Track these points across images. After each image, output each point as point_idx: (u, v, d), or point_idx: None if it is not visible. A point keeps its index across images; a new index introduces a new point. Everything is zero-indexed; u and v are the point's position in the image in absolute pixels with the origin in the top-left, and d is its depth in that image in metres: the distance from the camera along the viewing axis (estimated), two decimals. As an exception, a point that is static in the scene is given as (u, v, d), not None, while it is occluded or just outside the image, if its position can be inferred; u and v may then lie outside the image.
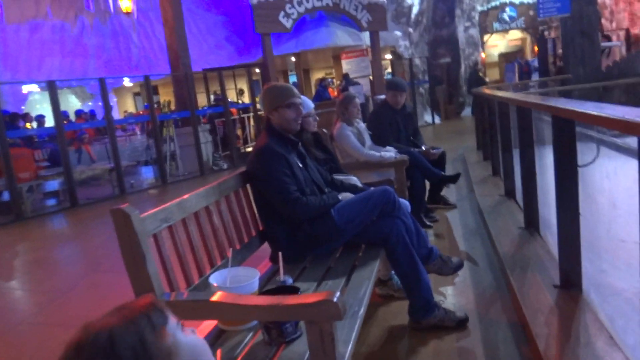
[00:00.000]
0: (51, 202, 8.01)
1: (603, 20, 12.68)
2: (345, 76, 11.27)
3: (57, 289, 3.87)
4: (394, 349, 2.28)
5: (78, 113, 12.47)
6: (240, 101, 13.36)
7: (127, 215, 1.48)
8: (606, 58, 10.11)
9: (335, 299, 1.31)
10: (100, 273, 4.16)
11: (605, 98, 7.87)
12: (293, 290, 1.61)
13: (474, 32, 17.17)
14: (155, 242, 1.61)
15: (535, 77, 11.95)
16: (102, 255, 4.75)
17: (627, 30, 12.38)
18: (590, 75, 8.62)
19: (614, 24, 13.58)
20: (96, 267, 4.40)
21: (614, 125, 1.51)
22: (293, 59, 13.69)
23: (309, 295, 1.38)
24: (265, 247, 2.38)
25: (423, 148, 4.32)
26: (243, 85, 13.50)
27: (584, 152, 2.47)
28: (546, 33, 15.48)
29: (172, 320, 0.79)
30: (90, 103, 15.91)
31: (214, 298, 1.43)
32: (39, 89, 14.27)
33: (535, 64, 12.51)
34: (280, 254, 1.77)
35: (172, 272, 1.64)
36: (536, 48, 15.54)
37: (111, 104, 9.54)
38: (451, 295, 2.77)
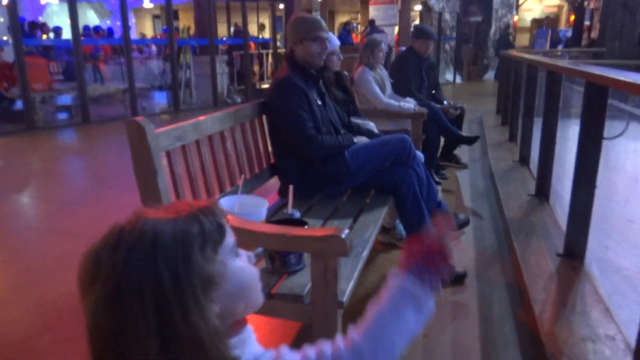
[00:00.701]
0: (63, 115, 8.00)
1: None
2: (371, 22, 10.92)
3: (63, 199, 3.92)
4: (389, 295, 2.31)
5: (96, 29, 12.22)
6: (260, 36, 13.03)
7: (142, 127, 1.46)
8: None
9: (343, 236, 1.30)
10: (105, 188, 4.20)
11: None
12: (300, 224, 1.60)
13: (511, -8, 16.42)
14: (168, 159, 1.60)
15: (539, 46, 11.63)
16: (109, 171, 4.79)
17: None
18: (626, 51, 8.29)
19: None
20: (102, 183, 4.44)
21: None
22: (319, -2, 13.24)
23: (317, 229, 1.37)
24: (275, 181, 2.36)
25: (445, 103, 4.23)
26: (265, 20, 13.13)
27: (612, 127, 2.40)
28: (585, 3, 14.80)
29: (229, 240, 0.69)
30: (108, 21, 15.57)
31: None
32: (57, 1, 13.94)
33: (567, 34, 12.06)
34: (290, 187, 1.75)
35: (182, 191, 1.64)
36: (572, 17, 14.91)
37: (130, 24, 9.31)
38: (453, 250, 2.77)
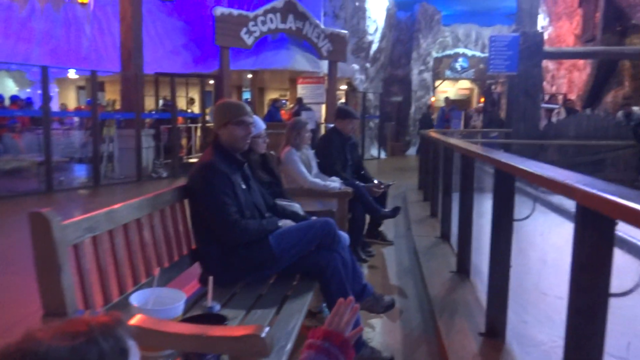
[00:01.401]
0: (-32, 190, 7.38)
1: (544, 83, 13.58)
2: (299, 100, 11.33)
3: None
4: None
5: (13, 99, 11.72)
6: (189, 110, 13.06)
7: (47, 220, 1.36)
8: (547, 121, 10.82)
9: (263, 335, 1.24)
10: (9, 274, 3.83)
11: (540, 155, 8.36)
12: (219, 319, 1.52)
13: (427, 76, 17.85)
14: (75, 252, 1.48)
15: (454, 125, 12.77)
16: (15, 254, 4.39)
17: (565, 95, 13.32)
18: (529, 132, 9.14)
19: (554, 88, 14.59)
20: (5, 267, 4.05)
21: (554, 187, 1.56)
22: (249, 75, 13.62)
23: (235, 328, 1.30)
24: (196, 267, 2.26)
25: (375, 182, 4.36)
26: (195, 94, 13.23)
27: (521, 206, 2.58)
28: (493, 87, 16.39)
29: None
30: (28, 90, 15.02)
31: (133, 321, 1.32)
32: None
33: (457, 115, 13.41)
34: (210, 278, 1.68)
35: (89, 288, 1.51)
36: (482, 99, 16.39)
37: (52, 94, 9.02)
38: (379, 333, 2.75)
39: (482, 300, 2.82)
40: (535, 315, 3.13)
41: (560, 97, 13.27)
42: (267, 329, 1.27)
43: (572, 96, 13.02)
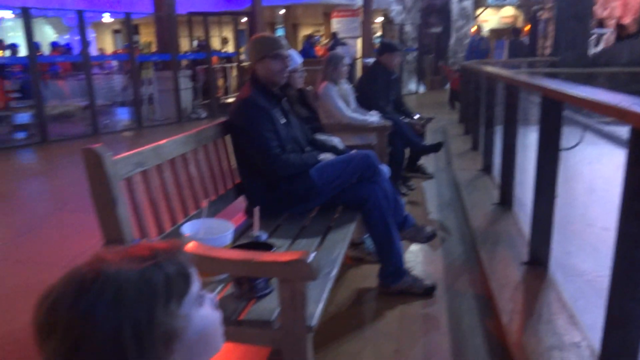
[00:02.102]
0: (20, 135, 7.73)
1: (596, 7, 12.61)
2: (334, 35, 11.02)
3: (21, 225, 3.77)
4: (361, 310, 2.30)
5: (53, 45, 11.92)
6: (224, 50, 12.96)
7: (99, 156, 1.41)
8: (594, 46, 10.12)
9: (309, 260, 1.29)
10: (67, 212, 4.07)
11: (589, 85, 7.91)
12: (267, 247, 1.58)
13: (468, 4, 16.89)
14: (128, 186, 1.55)
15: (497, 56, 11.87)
16: (70, 194, 4.63)
17: (618, 20, 12.38)
18: (578, 60, 8.62)
19: (606, 12, 13.55)
20: (63, 206, 4.29)
21: (607, 111, 1.49)
22: (282, 11, 13.29)
23: (283, 254, 1.35)
24: (241, 200, 2.33)
25: (415, 117, 4.29)
26: (228, 33, 13.06)
27: (568, 136, 2.49)
28: (539, 13, 15.37)
29: (194, 289, 0.67)
30: (66, 36, 15.20)
31: (187, 248, 1.39)
32: (12, 15, 13.53)
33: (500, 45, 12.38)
34: (256, 209, 1.73)
35: (143, 219, 1.59)
36: (527, 27, 15.44)
37: (89, 39, 9.10)
38: (421, 263, 2.80)
39: (525, 231, 2.81)
40: (579, 245, 3.10)
41: (611, 22, 12.34)
42: (313, 254, 1.31)
43: (627, 20, 12.09)
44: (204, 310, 0.69)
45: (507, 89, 3.25)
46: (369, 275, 2.59)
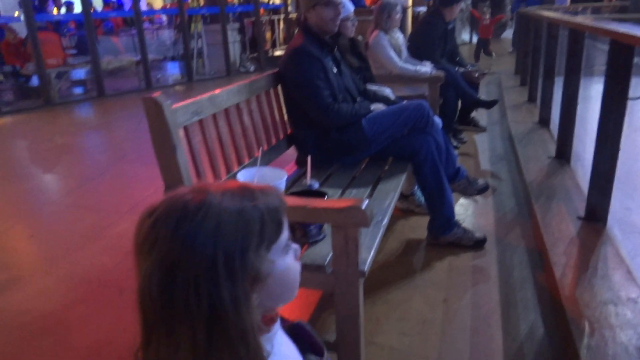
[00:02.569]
0: (78, 90, 8.05)
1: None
2: (384, -17, 10.58)
3: (84, 174, 3.99)
4: (409, 260, 2.33)
5: (106, 1, 12.11)
6: (271, 2, 12.77)
7: (159, 104, 1.46)
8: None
9: (363, 207, 1.30)
10: (126, 162, 4.25)
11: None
12: (319, 195, 1.61)
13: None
14: (186, 134, 1.60)
15: (558, 2, 10.79)
16: (127, 145, 4.83)
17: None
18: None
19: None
20: (122, 157, 4.49)
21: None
22: (330, -41, 12.82)
23: (337, 201, 1.38)
24: (292, 151, 2.36)
25: (469, 67, 4.13)
26: (275, -16, 12.81)
27: (636, 86, 2.34)
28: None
29: (283, 238, 0.69)
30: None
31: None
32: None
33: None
34: (309, 157, 1.75)
35: (200, 166, 1.65)
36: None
37: (139, -6, 9.19)
38: (472, 215, 2.77)
39: (583, 186, 2.71)
40: (640, 201, 2.97)
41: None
42: (366, 201, 1.33)
43: None
44: (288, 259, 0.71)
45: (571, 35, 3.05)
46: (418, 227, 2.59)
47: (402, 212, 2.80)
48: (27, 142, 5.30)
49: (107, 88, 7.66)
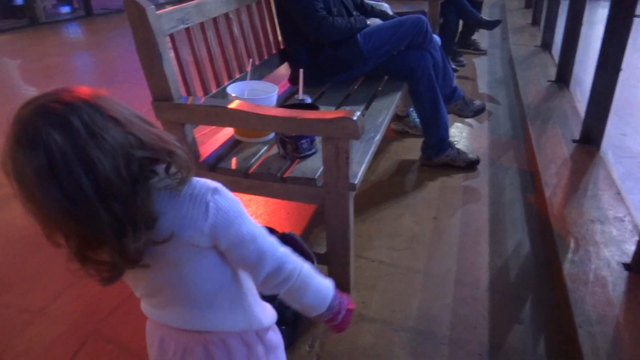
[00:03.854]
0: (65, 9, 7.70)
1: None
2: None
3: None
4: (402, 180, 2.34)
5: None
6: None
7: (141, 8, 1.38)
8: None
9: (354, 118, 1.28)
10: (116, 83, 4.15)
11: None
12: (312, 108, 1.58)
13: None
14: (173, 43, 1.53)
15: None
16: (116, 66, 4.70)
17: None
18: None
19: None
20: (112, 78, 4.38)
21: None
22: None
23: (328, 112, 1.34)
24: (285, 69, 2.30)
25: None
26: None
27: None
28: None
29: None
30: None
31: (232, 105, 1.41)
32: None
33: None
34: (301, 71, 1.69)
35: (189, 78, 1.60)
36: None
37: None
38: (467, 137, 2.75)
39: (580, 110, 2.67)
40: (636, 128, 2.95)
41: None
42: (358, 112, 1.30)
43: None
44: None
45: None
46: (412, 148, 2.58)
47: (396, 134, 2.77)
48: (16, 63, 5.14)
49: (95, 7, 7.33)
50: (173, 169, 0.72)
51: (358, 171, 1.48)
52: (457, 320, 1.52)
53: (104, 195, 0.65)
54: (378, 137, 1.73)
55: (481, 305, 1.57)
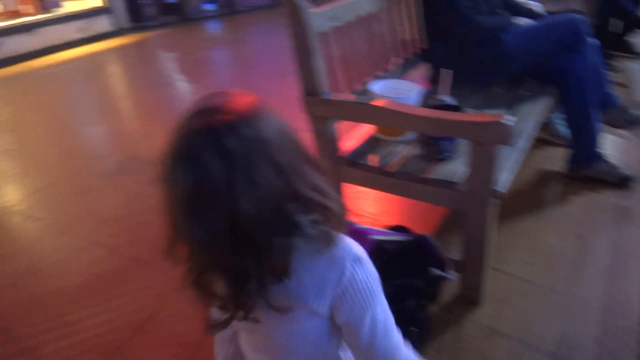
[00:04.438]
0: (210, 6, 8.34)
1: None
2: None
3: (217, 86, 4.22)
4: (542, 191, 2.18)
5: None
6: None
7: (298, 6, 1.44)
8: None
9: (508, 123, 1.21)
10: (253, 77, 4.41)
11: None
12: (454, 109, 1.53)
13: None
14: (323, 40, 1.57)
15: None
16: (256, 61, 4.99)
17: None
18: None
19: None
20: (250, 72, 4.65)
21: None
22: None
23: (478, 115, 1.29)
24: (424, 67, 2.25)
25: None
26: None
27: None
28: None
29: None
30: None
31: (378, 103, 1.41)
32: None
33: None
34: (446, 70, 1.65)
35: (335, 74, 1.63)
36: None
37: None
38: (619, 150, 2.48)
39: None
40: None
41: None
42: (512, 118, 1.23)
43: None
44: None
45: None
46: (554, 158, 2.40)
47: (536, 141, 2.59)
48: (170, 55, 5.69)
49: (237, 4, 7.85)
50: (321, 226, 0.66)
51: (503, 179, 1.41)
52: (603, 352, 1.38)
53: (238, 237, 0.60)
54: (525, 144, 1.63)
55: (633, 341, 1.41)
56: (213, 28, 7.18)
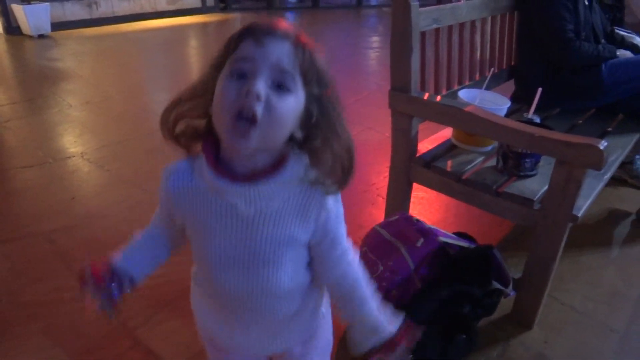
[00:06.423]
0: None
1: None
2: None
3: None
4: (611, 230, 2.11)
5: None
6: None
7: (408, 3, 1.47)
8: None
9: (601, 147, 1.20)
10: (334, 72, 4.47)
11: None
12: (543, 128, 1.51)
13: None
14: (422, 40, 1.60)
15: None
16: (333, 56, 5.05)
17: None
18: None
19: None
20: (330, 66, 4.72)
21: None
22: None
23: (571, 135, 1.28)
24: (509, 85, 2.23)
25: None
26: None
27: None
28: None
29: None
30: None
31: (468, 109, 1.42)
32: None
33: None
34: (539, 89, 1.63)
35: (428, 74, 1.65)
36: None
37: None
38: None
39: None
40: None
41: None
42: (605, 143, 1.22)
43: None
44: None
45: None
46: (628, 198, 2.32)
47: (612, 179, 2.50)
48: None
49: (321, 2, 8.00)
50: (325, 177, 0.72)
51: (583, 205, 1.39)
52: (657, 398, 1.34)
53: None
54: (608, 175, 1.59)
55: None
56: (294, 19, 7.32)
